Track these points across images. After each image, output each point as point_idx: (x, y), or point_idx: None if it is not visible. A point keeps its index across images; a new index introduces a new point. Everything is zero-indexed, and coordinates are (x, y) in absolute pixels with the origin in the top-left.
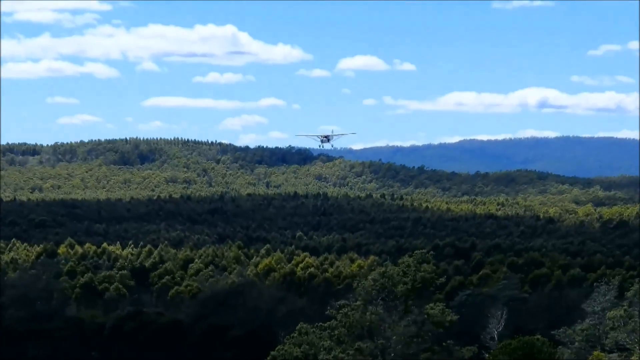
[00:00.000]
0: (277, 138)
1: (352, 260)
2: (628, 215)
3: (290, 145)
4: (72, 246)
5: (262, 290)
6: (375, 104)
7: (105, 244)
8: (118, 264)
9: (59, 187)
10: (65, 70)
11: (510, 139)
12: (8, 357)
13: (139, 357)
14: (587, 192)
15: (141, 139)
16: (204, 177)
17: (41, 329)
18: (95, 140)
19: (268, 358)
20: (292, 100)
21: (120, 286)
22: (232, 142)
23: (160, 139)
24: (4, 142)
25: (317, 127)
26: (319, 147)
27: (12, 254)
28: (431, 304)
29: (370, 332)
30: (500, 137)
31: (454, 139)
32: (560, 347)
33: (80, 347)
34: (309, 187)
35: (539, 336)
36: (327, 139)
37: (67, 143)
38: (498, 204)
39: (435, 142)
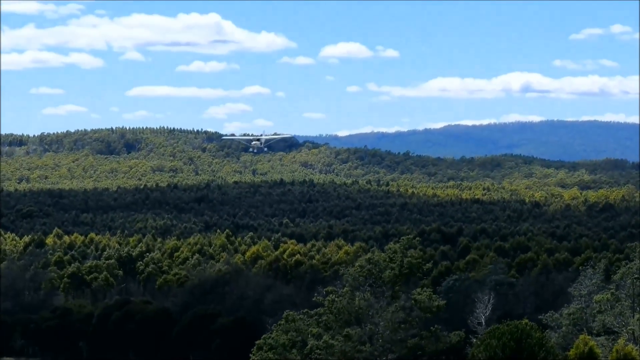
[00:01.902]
0: (262, 126)
1: (339, 247)
2: (614, 198)
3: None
4: (59, 236)
5: (250, 278)
6: (360, 90)
7: (92, 234)
8: (105, 253)
9: (46, 177)
10: (50, 60)
11: (495, 124)
12: None
13: (127, 346)
14: (573, 175)
15: (127, 128)
16: (190, 165)
17: (29, 319)
18: (81, 130)
19: (254, 348)
20: (276, 88)
21: (107, 276)
22: (217, 131)
23: (146, 128)
24: None
25: (301, 114)
26: (251, 152)
27: None
28: (418, 290)
29: (358, 318)
30: (484, 122)
31: (439, 125)
32: (547, 331)
33: (68, 336)
34: (295, 174)
35: (526, 320)
36: (259, 142)
37: (54, 133)
38: (484, 189)
39: (420, 127)
